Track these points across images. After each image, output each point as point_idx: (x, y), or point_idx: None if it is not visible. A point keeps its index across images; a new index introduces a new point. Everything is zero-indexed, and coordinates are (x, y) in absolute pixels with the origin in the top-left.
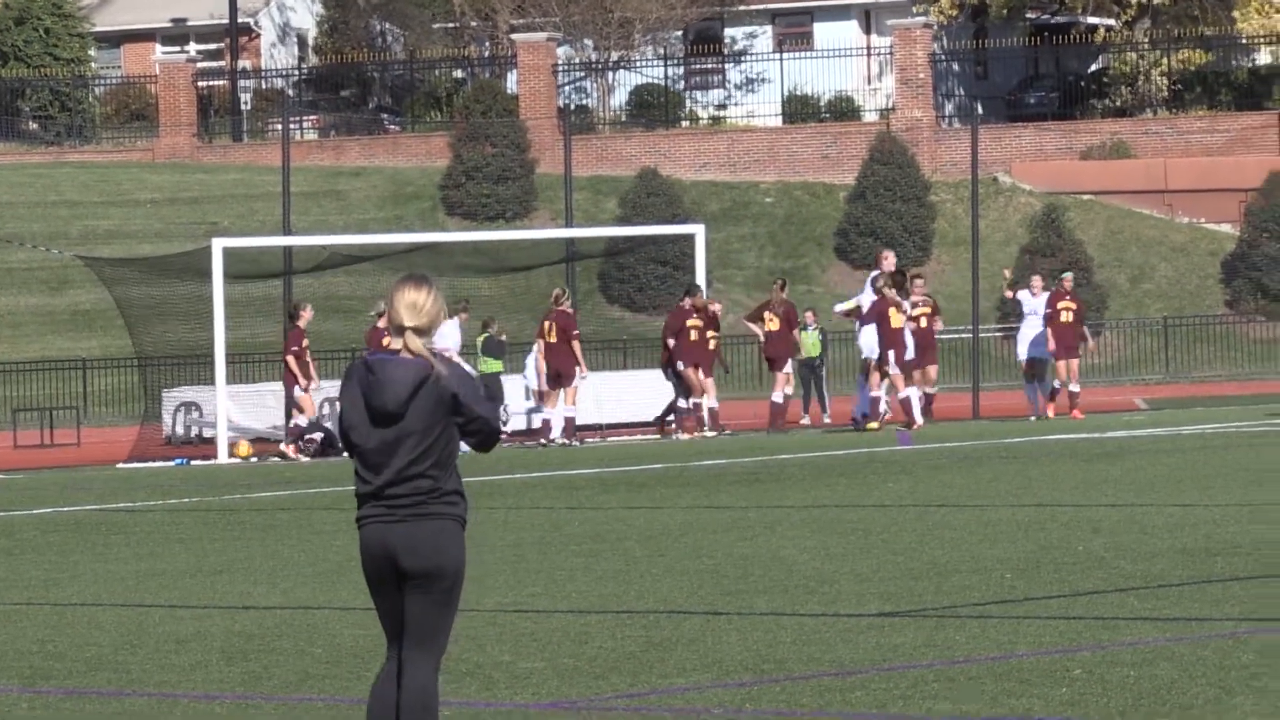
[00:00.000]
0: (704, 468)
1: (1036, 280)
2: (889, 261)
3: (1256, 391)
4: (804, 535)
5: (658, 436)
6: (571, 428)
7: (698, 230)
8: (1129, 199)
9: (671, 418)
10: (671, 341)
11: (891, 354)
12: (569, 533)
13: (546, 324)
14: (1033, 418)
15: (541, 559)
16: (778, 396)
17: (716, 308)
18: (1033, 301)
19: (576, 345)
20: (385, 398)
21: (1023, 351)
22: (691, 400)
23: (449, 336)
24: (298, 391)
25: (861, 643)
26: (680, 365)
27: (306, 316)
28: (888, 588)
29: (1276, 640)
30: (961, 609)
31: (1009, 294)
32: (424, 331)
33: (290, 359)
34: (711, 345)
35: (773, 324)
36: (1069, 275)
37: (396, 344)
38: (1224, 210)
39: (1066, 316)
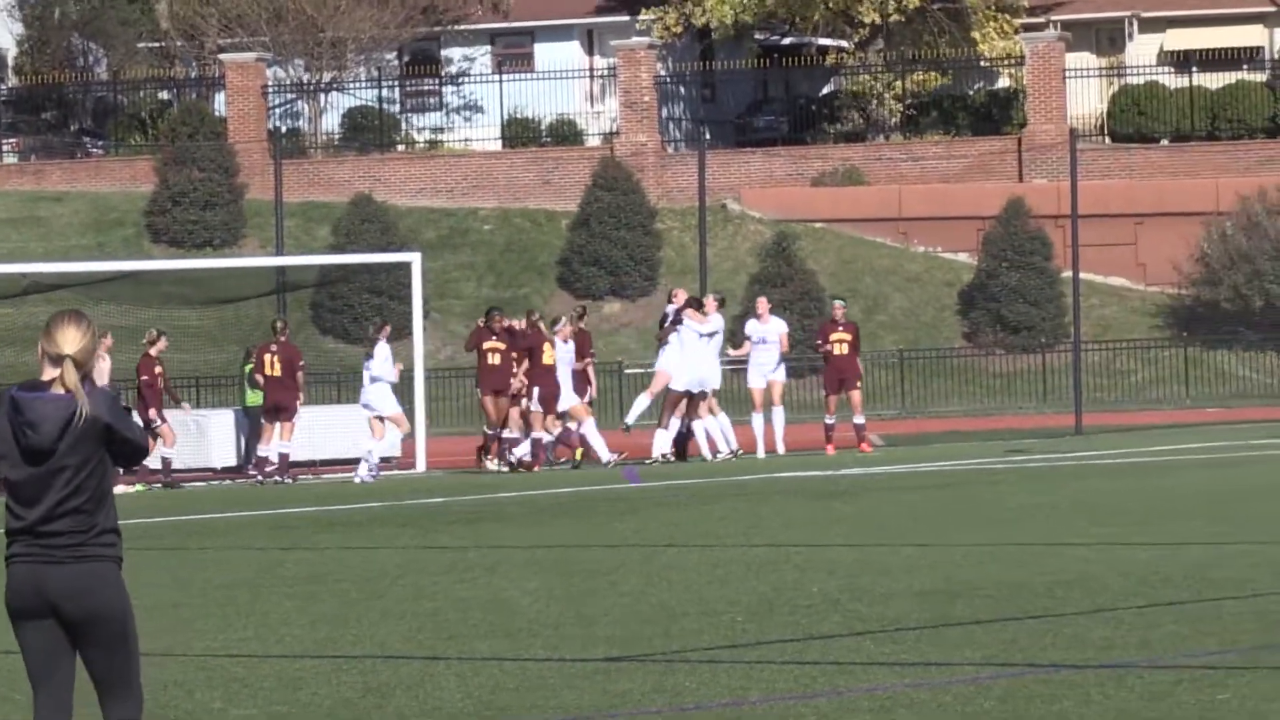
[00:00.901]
0: (422, 506)
1: (762, 304)
2: (680, 298)
3: (995, 427)
4: (527, 577)
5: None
6: (285, 464)
7: (414, 258)
8: (862, 227)
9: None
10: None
11: (536, 391)
12: (283, 574)
13: (268, 356)
14: (762, 454)
15: (254, 601)
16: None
17: (563, 330)
18: (761, 328)
19: (300, 378)
20: (35, 437)
21: (753, 381)
22: (550, 427)
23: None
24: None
25: (587, 688)
26: (482, 393)
27: (161, 345)
28: (614, 631)
29: (1019, 684)
30: (691, 653)
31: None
32: (80, 365)
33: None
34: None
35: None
36: (840, 303)
37: (50, 374)
38: (961, 239)
39: (841, 348)
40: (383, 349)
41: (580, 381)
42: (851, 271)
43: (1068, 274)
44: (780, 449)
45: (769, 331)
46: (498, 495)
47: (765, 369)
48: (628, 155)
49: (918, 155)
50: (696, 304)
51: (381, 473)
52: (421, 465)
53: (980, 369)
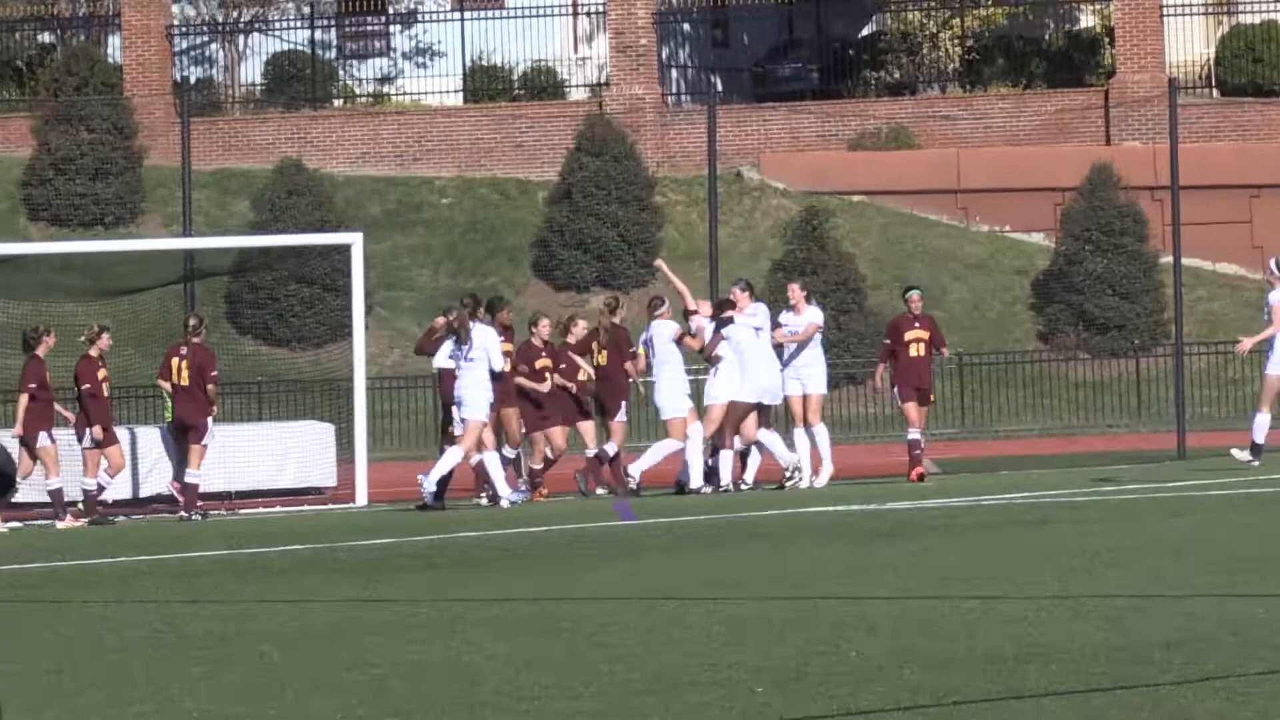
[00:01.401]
0: (363, 550)
1: (795, 291)
2: (703, 310)
3: (1077, 450)
4: (494, 637)
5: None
6: (194, 497)
7: (354, 240)
8: (911, 201)
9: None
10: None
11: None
12: (188, 633)
13: (175, 361)
14: (790, 478)
15: (151, 668)
16: (611, 448)
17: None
18: (796, 320)
19: (212, 390)
20: None
21: (790, 389)
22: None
23: None
24: (43, 440)
25: None
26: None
27: (104, 344)
28: (603, 705)
29: None
30: None
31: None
32: None
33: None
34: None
35: (601, 356)
36: (916, 293)
37: None
38: (1035, 216)
39: (917, 349)
40: (486, 334)
41: (613, 392)
42: (898, 256)
43: (1167, 259)
44: (823, 479)
45: (802, 323)
46: (459, 535)
47: (803, 373)
48: (620, 112)
49: (980, 112)
50: (727, 305)
51: (333, 506)
52: (362, 498)
53: (1058, 377)
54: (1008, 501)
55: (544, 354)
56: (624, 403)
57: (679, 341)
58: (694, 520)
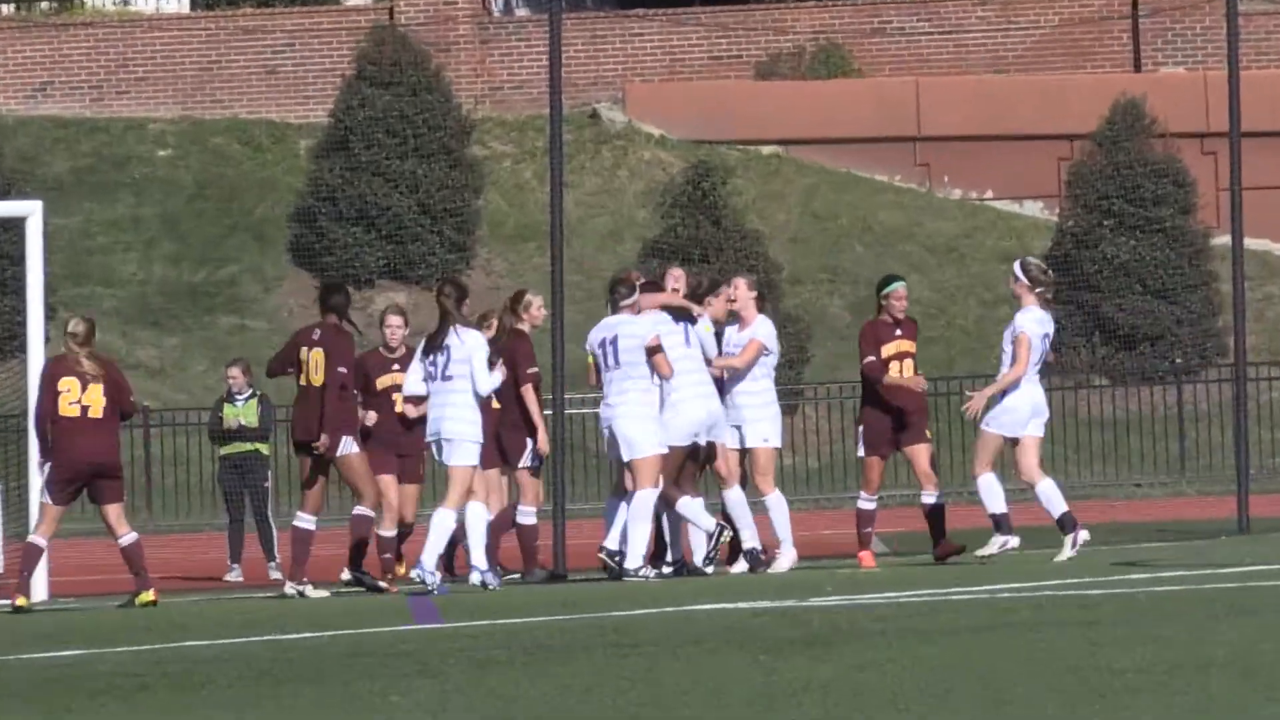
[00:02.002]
0: (43, 666)
1: (743, 290)
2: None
3: (1091, 519)
4: None
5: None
6: None
7: (30, 211)
8: (848, 154)
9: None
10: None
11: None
12: None
13: None
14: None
15: None
16: (525, 514)
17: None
18: (740, 336)
19: None
20: None
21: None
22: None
23: None
24: None
25: None
26: None
27: None
28: None
29: None
30: None
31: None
32: None
33: None
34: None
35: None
36: (901, 286)
37: None
38: (1029, 176)
39: (901, 369)
40: (475, 339)
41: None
42: (828, 234)
43: (1223, 239)
44: (784, 563)
45: (744, 341)
46: (185, 645)
47: (743, 414)
48: (421, 23)
49: (951, 23)
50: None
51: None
52: (41, 590)
53: (1065, 413)
54: (988, 595)
55: (396, 364)
56: (530, 444)
57: (650, 354)
58: (539, 624)
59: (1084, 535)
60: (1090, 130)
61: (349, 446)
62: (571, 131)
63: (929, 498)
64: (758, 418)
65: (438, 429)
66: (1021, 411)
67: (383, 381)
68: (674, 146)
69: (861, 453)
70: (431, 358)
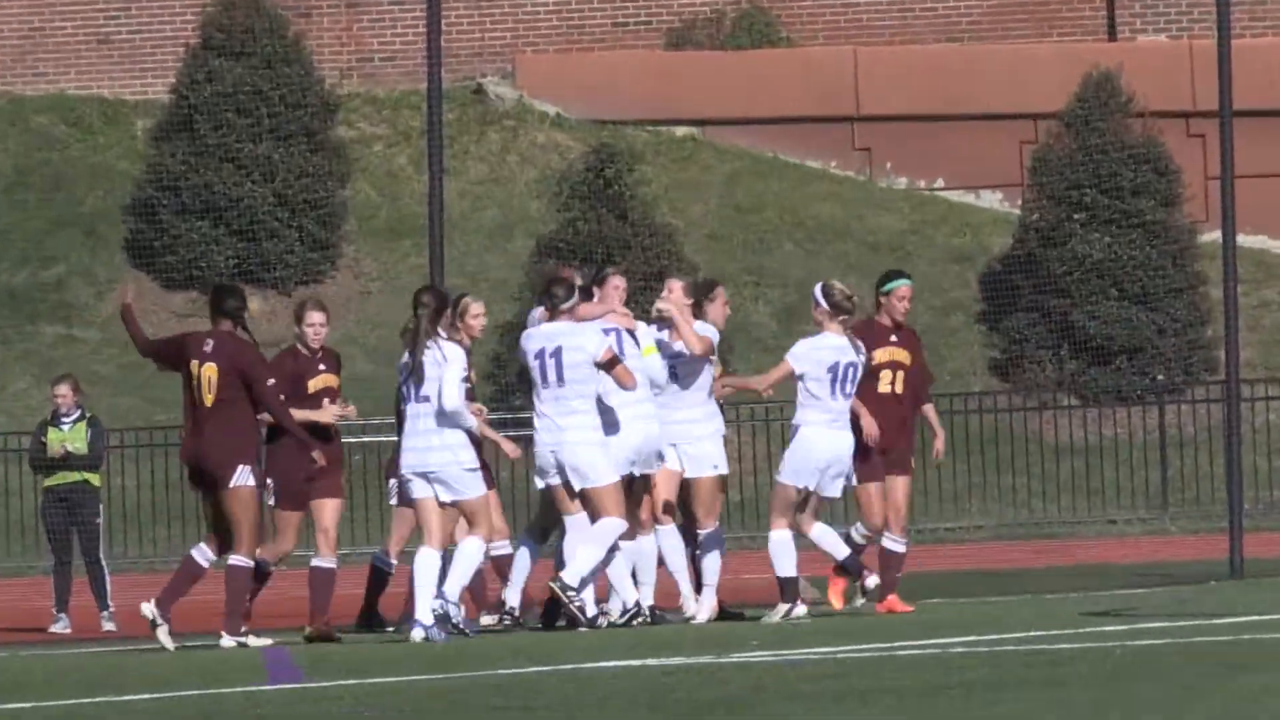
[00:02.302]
0: None
1: (677, 292)
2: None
3: (1062, 561)
4: None
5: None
6: None
7: None
8: (776, 136)
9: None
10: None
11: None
12: None
13: None
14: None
15: None
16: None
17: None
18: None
19: None
20: None
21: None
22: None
23: None
24: None
25: None
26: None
27: None
28: None
29: None
30: None
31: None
32: None
33: None
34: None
35: None
36: (906, 284)
37: None
38: (987, 164)
39: (890, 384)
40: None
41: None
42: (750, 229)
43: (1213, 236)
44: (704, 610)
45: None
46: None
47: (681, 438)
48: None
49: None
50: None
51: None
52: None
53: (1029, 439)
54: (939, 650)
55: (322, 365)
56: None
57: (609, 367)
58: (414, 683)
59: (801, 611)
60: (1057, 109)
61: (244, 478)
62: (453, 110)
63: (896, 543)
64: (701, 436)
65: (424, 462)
66: (812, 461)
67: (314, 384)
68: (572, 127)
69: (854, 480)
70: (407, 379)
